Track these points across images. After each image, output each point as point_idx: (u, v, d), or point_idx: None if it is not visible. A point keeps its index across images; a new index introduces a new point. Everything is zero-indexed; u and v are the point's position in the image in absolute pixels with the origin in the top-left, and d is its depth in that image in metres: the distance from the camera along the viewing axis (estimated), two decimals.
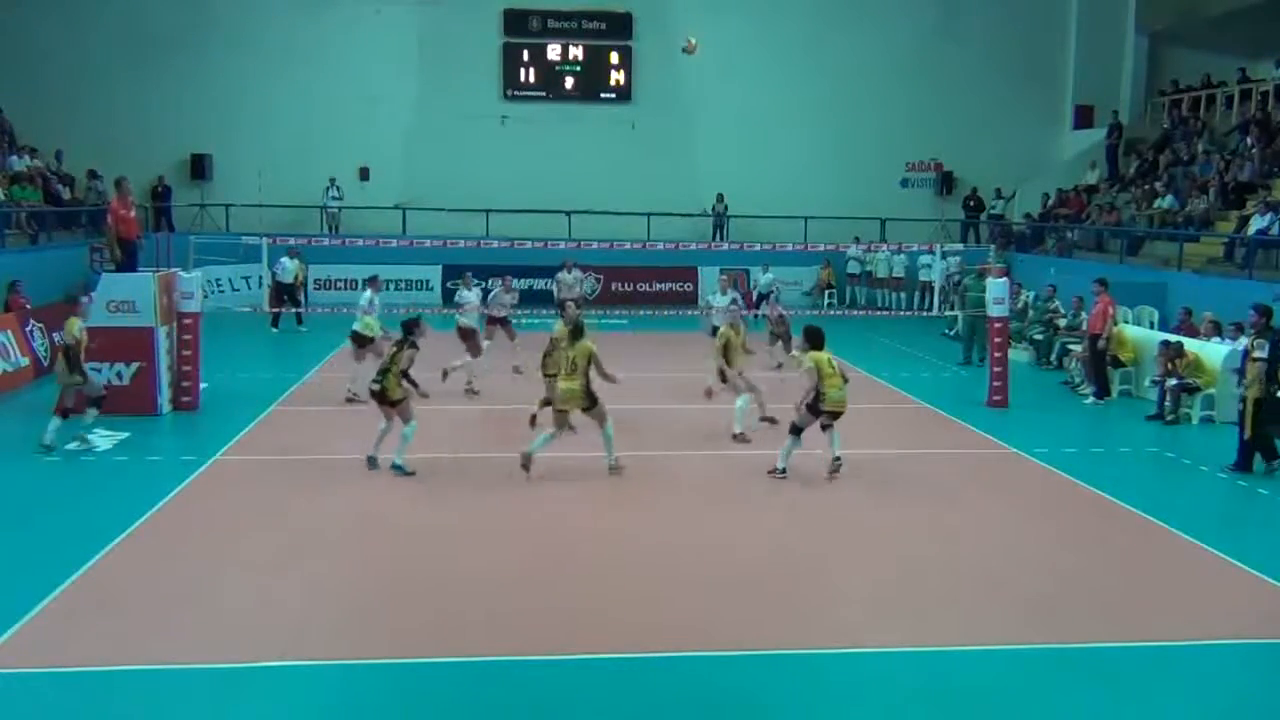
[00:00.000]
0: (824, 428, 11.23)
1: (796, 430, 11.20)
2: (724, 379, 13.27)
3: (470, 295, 16.39)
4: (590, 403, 11.10)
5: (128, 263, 14.40)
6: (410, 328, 11.42)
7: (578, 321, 11.78)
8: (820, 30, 29.64)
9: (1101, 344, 15.98)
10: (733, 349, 13.08)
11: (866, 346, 20.85)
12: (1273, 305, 12.61)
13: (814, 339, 11.27)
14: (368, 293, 15.29)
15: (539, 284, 24.96)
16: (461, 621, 7.60)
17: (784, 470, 11.21)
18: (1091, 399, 15.97)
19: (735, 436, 12.85)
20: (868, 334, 22.51)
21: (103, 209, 24.29)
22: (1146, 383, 15.64)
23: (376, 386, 11.24)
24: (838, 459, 11.14)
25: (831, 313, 26.35)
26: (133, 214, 14.81)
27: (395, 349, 11.35)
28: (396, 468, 11.18)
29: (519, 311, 17.40)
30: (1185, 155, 25.27)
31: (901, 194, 30.54)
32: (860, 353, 19.74)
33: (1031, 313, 20.49)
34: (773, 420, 13.21)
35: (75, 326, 11.95)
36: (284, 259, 21.82)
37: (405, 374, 11.19)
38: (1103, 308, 16.03)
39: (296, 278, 22.48)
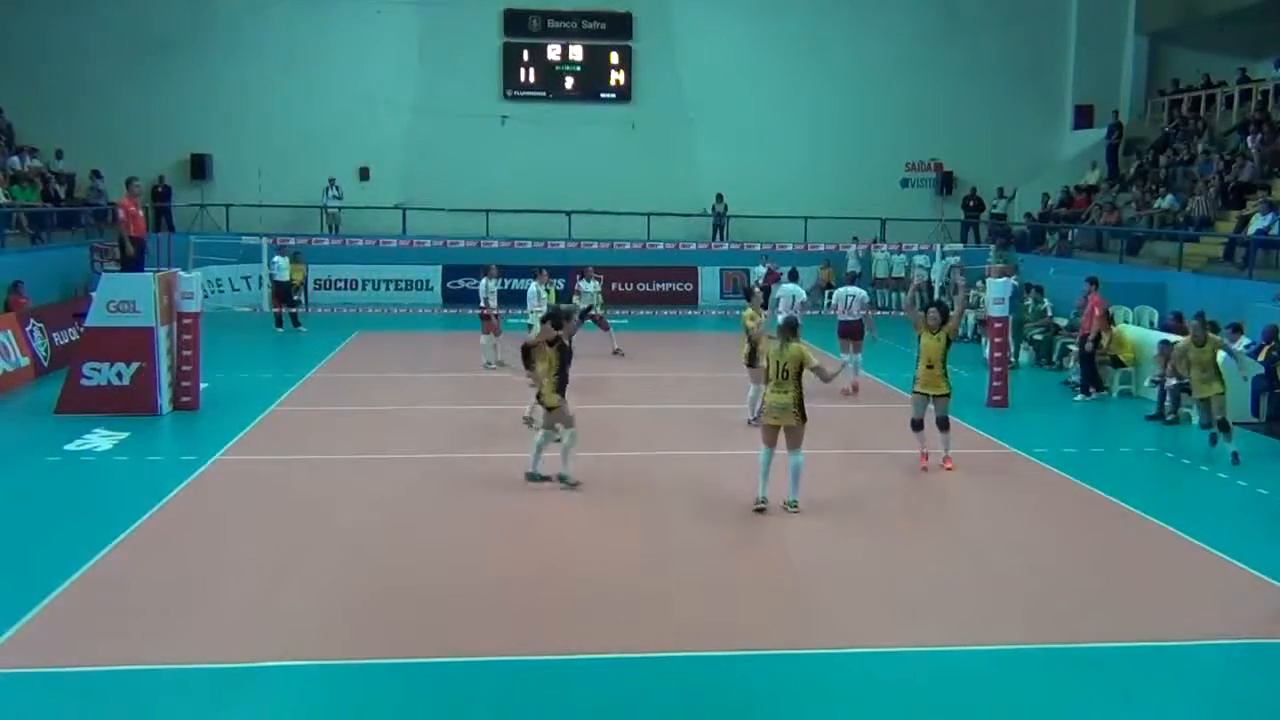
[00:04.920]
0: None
1: None
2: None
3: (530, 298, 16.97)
4: (802, 418, 9.89)
5: (136, 260, 14.47)
6: (559, 322, 10.67)
7: (791, 320, 10.22)
8: (820, 30, 29.64)
9: (1089, 346, 16.01)
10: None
11: (866, 346, 20.78)
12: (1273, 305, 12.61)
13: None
14: (534, 285, 17.08)
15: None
16: (461, 621, 7.59)
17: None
18: (1080, 396, 16.00)
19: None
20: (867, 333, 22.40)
21: (104, 208, 24.45)
22: (1146, 383, 15.63)
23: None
24: None
25: (832, 313, 26.28)
26: (141, 213, 15.00)
27: (552, 350, 10.53)
28: (561, 478, 10.66)
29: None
30: (1185, 155, 25.26)
31: (901, 194, 30.53)
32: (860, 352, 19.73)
33: (1030, 313, 20.45)
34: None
35: None
36: (277, 257, 21.69)
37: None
38: (1090, 307, 16.15)
39: (293, 278, 22.37)
